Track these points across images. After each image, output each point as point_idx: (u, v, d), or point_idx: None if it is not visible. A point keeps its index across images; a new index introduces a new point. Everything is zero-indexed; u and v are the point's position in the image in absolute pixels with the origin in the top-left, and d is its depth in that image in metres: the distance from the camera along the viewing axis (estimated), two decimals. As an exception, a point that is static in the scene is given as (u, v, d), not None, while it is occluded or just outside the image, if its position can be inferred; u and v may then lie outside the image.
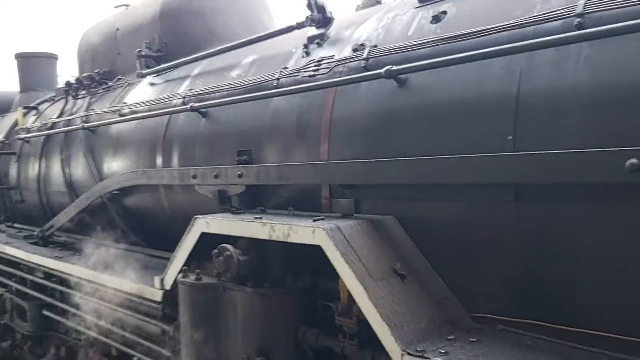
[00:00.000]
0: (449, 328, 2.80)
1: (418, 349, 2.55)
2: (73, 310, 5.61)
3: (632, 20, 2.25)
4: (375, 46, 3.44)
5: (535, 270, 2.66)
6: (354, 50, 3.57)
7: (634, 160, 2.11)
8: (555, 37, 2.49)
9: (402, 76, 3.15)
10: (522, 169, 2.51)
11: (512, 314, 2.78)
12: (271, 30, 4.65)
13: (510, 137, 2.66)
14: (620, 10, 2.40)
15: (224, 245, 3.47)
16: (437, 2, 3.38)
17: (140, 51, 5.88)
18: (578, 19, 2.50)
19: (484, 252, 2.84)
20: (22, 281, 6.83)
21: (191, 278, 3.79)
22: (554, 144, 2.49)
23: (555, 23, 2.61)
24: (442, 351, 2.53)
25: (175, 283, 3.90)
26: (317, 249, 2.97)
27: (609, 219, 2.39)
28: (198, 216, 3.76)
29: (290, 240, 3.11)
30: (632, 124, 2.29)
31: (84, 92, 6.94)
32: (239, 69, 4.65)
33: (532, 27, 2.69)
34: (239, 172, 3.90)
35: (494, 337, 2.71)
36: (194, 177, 4.33)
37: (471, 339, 2.66)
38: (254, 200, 3.94)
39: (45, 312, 6.28)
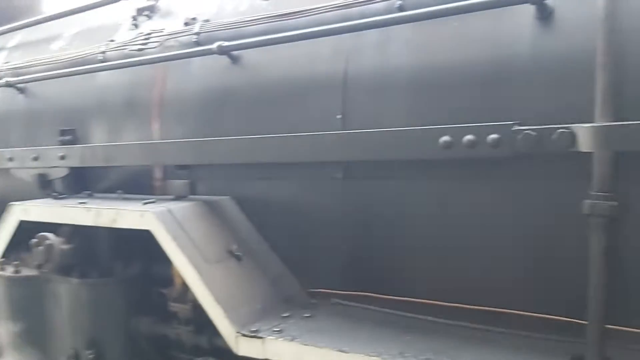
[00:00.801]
0: (284, 306, 2.82)
1: (252, 329, 2.54)
2: None
3: (448, 4, 2.38)
4: (208, 21, 3.32)
5: (363, 244, 2.76)
6: (185, 24, 3.42)
7: (446, 138, 2.24)
8: (377, 19, 2.55)
9: (235, 53, 3.08)
10: (349, 147, 2.56)
11: (344, 288, 2.87)
12: (96, 0, 4.30)
13: (339, 116, 2.71)
14: (436, -5, 2.53)
15: (44, 234, 3.18)
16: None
17: (-58, 17, 5.14)
18: (399, 2, 2.60)
19: (316, 228, 2.88)
20: None
21: (9, 271, 3.44)
22: (379, 122, 2.57)
23: (379, 5, 2.68)
24: (276, 329, 2.54)
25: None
26: (149, 234, 2.82)
27: (428, 193, 2.53)
28: (14, 203, 3.40)
29: (117, 225, 2.93)
30: (446, 104, 2.43)
31: None
32: (61, 40, 4.25)
33: (358, 8, 2.74)
34: (62, 154, 3.57)
35: (328, 311, 2.78)
36: (10, 159, 3.90)
37: (305, 315, 2.71)
38: (80, 183, 3.66)
39: None
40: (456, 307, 2.54)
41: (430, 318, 2.58)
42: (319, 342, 2.39)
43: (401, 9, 2.58)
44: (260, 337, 2.49)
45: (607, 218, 2.05)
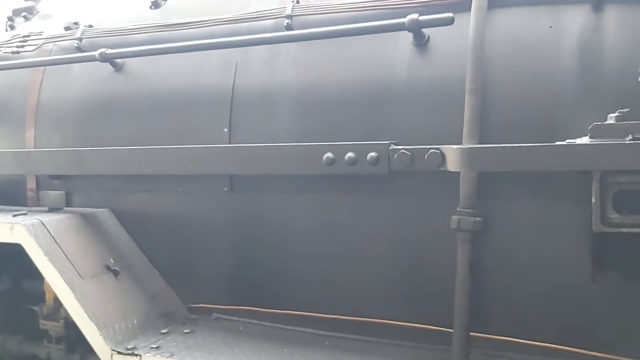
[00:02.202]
0: (164, 321, 2.76)
1: (129, 347, 2.46)
2: None
3: (332, 26, 2.47)
4: (91, 26, 3.20)
5: (247, 258, 2.77)
6: (66, 28, 3.28)
7: (329, 154, 2.31)
8: (265, 36, 2.60)
9: (119, 61, 2.99)
10: (235, 161, 2.56)
11: (226, 302, 2.86)
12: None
13: (226, 130, 2.71)
14: (323, 16, 2.62)
15: None
16: (158, -13, 3.27)
17: None
18: (287, 20, 2.66)
19: (200, 242, 2.85)
20: None
21: None
22: (266, 137, 2.61)
23: (268, 22, 2.73)
24: (154, 346, 2.48)
25: None
26: (20, 248, 2.65)
27: (310, 207, 2.60)
28: None
29: (-17, 238, 2.72)
30: (329, 121, 2.52)
31: None
32: None
33: (246, 24, 2.77)
34: None
35: (209, 326, 2.76)
36: None
37: (185, 330, 2.67)
38: (-59, 192, 3.35)
39: None
40: (336, 318, 2.61)
41: (310, 330, 2.64)
42: (198, 358, 2.38)
43: (289, 27, 2.64)
44: (137, 355, 2.42)
45: (471, 232, 2.21)
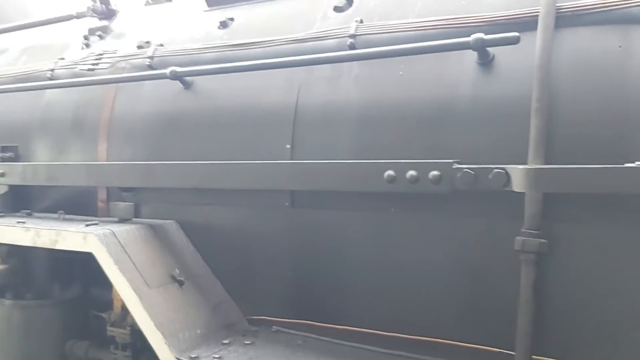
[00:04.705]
0: (225, 332, 2.82)
1: (192, 356, 2.52)
2: None
3: (396, 45, 2.50)
4: (162, 45, 3.34)
5: (307, 273, 2.80)
6: (139, 47, 3.43)
7: (390, 172, 2.33)
8: (330, 55, 2.65)
9: (188, 79, 3.11)
10: (297, 177, 2.62)
11: (286, 315, 2.89)
12: (48, 17, 4.25)
13: (288, 146, 2.77)
14: (386, 35, 2.65)
15: (-22, 252, 3.08)
16: (225, 7, 3.39)
17: None
18: (350, 40, 2.70)
19: (261, 255, 2.91)
20: None
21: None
22: (327, 154, 2.65)
23: (331, 41, 2.78)
24: (216, 356, 2.54)
25: None
26: (90, 256, 2.78)
27: (370, 224, 2.61)
28: (-55, 219, 3.27)
29: (58, 247, 2.86)
30: (391, 139, 2.54)
31: None
32: (7, 55, 4.18)
33: (311, 43, 2.83)
34: (1, 171, 3.48)
35: (269, 338, 2.79)
36: (-55, 174, 3.76)
37: (246, 342, 2.71)
38: (19, 202, 3.57)
39: None
40: (394, 336, 2.61)
41: (369, 347, 2.64)
42: (258, 369, 2.41)
43: (352, 47, 2.69)
44: (200, 364, 2.48)
45: (535, 254, 2.18)
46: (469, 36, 2.28)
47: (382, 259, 2.59)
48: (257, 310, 2.98)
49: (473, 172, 2.15)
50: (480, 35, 2.26)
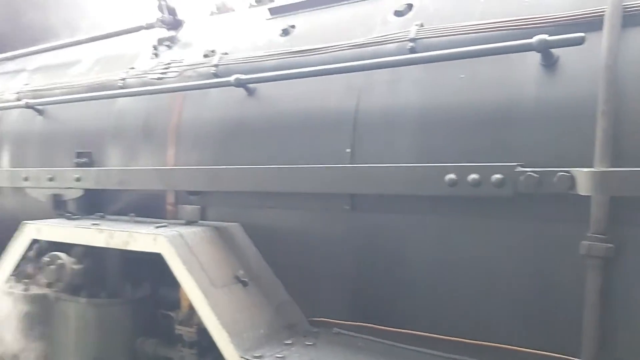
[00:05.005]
0: (287, 333, 2.87)
1: (256, 355, 2.59)
2: None
3: (456, 48, 2.50)
4: (226, 54, 3.45)
5: (368, 275, 2.83)
6: (205, 56, 3.56)
7: (452, 175, 2.33)
8: (389, 59, 2.67)
9: (251, 85, 3.20)
10: (358, 181, 2.66)
11: (346, 318, 2.93)
12: (118, 29, 4.47)
13: (348, 150, 2.81)
14: (447, 39, 2.65)
15: (56, 253, 3.26)
16: (286, 15, 3.47)
17: (-33, 38, 5.33)
18: (411, 44, 2.72)
19: (321, 258, 2.96)
20: None
21: (19, 288, 3.50)
22: (387, 157, 2.67)
23: (391, 45, 2.81)
24: (279, 356, 2.59)
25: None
26: (159, 257, 2.90)
27: (431, 227, 2.62)
28: (27, 222, 3.49)
29: (129, 248, 3.00)
30: (452, 142, 2.53)
31: None
32: (81, 65, 4.40)
33: (371, 48, 2.86)
34: (77, 176, 3.68)
35: (329, 340, 2.83)
36: (26, 179, 4.01)
37: (307, 343, 2.76)
38: (93, 205, 3.75)
39: None
40: (456, 340, 2.60)
41: (429, 351, 2.63)
42: (320, 369, 2.45)
43: (412, 50, 2.70)
44: (263, 363, 2.54)
45: (602, 259, 2.13)
46: (532, 37, 2.25)
47: (443, 262, 2.59)
48: (318, 312, 3.03)
49: (537, 175, 2.13)
50: (544, 36, 2.23)
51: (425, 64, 2.65)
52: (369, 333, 2.85)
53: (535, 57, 2.37)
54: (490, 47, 2.40)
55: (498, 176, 2.23)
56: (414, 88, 2.71)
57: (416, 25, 2.75)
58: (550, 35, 2.22)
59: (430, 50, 2.60)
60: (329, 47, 2.99)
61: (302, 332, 2.91)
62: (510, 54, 2.42)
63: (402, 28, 2.83)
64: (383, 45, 2.84)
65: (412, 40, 2.72)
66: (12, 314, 3.50)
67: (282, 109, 3.10)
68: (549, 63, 2.37)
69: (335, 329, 2.93)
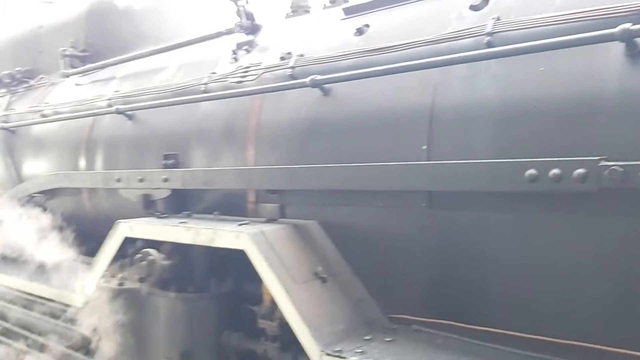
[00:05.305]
0: (366, 329, 2.91)
1: (336, 349, 2.64)
2: None
3: (535, 41, 2.44)
4: (302, 55, 3.53)
5: (446, 272, 2.82)
6: (281, 58, 3.65)
7: (532, 171, 2.29)
8: (466, 54, 2.65)
9: (327, 86, 3.25)
10: (435, 177, 2.66)
11: (426, 315, 2.93)
12: (200, 35, 4.66)
13: (424, 147, 2.81)
14: (525, 31, 2.60)
15: (147, 249, 3.46)
16: (361, 15, 3.51)
17: (64, 50, 5.72)
18: (488, 38, 2.68)
19: (400, 255, 2.97)
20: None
21: (113, 283, 3.74)
22: (464, 154, 2.65)
23: (467, 40, 2.78)
24: (359, 351, 2.63)
25: (98, 288, 3.83)
26: (242, 253, 3.02)
27: (511, 224, 2.57)
28: (121, 220, 3.72)
29: (214, 244, 3.14)
30: (532, 137, 2.48)
31: (3, 90, 6.66)
32: (166, 72, 4.62)
33: (446, 44, 2.85)
34: (165, 176, 3.89)
35: (409, 336, 2.84)
36: (118, 180, 4.27)
37: (386, 339, 2.78)
38: (180, 204, 3.94)
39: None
40: (536, 339, 2.54)
41: (509, 349, 2.59)
42: (400, 365, 2.46)
43: (489, 45, 2.66)
44: (344, 357, 2.59)
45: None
46: (615, 27, 2.17)
47: (524, 259, 2.54)
48: (397, 309, 3.04)
49: (622, 169, 2.05)
50: (627, 25, 2.14)
51: (503, 58, 2.60)
52: (448, 330, 2.83)
53: (618, 48, 2.28)
54: (571, 38, 2.33)
55: (581, 171, 2.17)
56: (492, 83, 2.67)
57: (493, 18, 2.70)
58: (633, 25, 2.13)
59: (507, 44, 2.56)
60: (403, 44, 3.00)
61: (381, 328, 2.94)
62: (592, 45, 2.34)
63: (477, 22, 2.79)
64: (459, 41, 2.81)
65: (489, 34, 2.68)
66: (108, 307, 3.75)
67: (357, 108, 3.14)
68: (633, 53, 2.27)
69: (415, 326, 2.94)
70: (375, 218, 3.06)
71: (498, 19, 2.70)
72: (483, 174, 2.47)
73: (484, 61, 2.68)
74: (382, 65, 2.94)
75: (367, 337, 2.80)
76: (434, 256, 2.85)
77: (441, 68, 2.80)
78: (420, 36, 2.95)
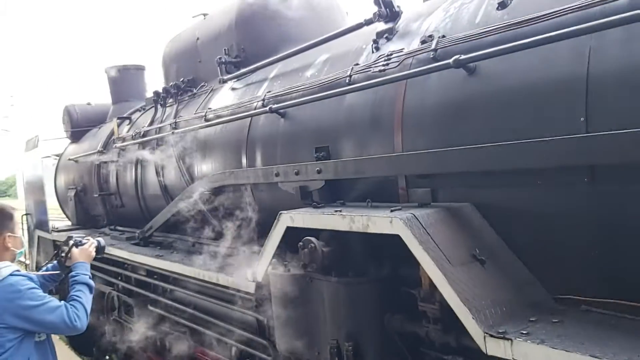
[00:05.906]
0: (531, 310, 2.84)
1: (500, 331, 2.62)
2: (175, 304, 6.07)
3: None
4: (444, 36, 3.50)
5: (616, 249, 2.66)
6: (422, 42, 3.64)
7: None
8: (623, 16, 2.46)
9: (471, 64, 3.19)
10: (598, 150, 2.51)
11: (594, 295, 2.79)
12: (341, 29, 4.79)
13: (582, 119, 2.66)
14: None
15: (308, 237, 3.66)
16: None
17: (220, 58, 6.21)
18: (645, -4, 2.47)
19: (563, 234, 2.85)
20: (127, 279, 7.41)
21: (280, 270, 4.01)
22: (628, 123, 2.47)
23: (622, 1, 2.58)
24: (524, 332, 2.58)
25: (266, 275, 4.14)
26: (397, 238, 3.09)
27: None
28: (283, 212, 3.97)
29: (369, 230, 3.25)
30: None
31: (171, 100, 7.38)
32: (312, 68, 4.83)
33: (599, 7, 2.66)
34: (318, 168, 4.08)
35: (578, 317, 2.73)
36: (277, 175, 4.56)
37: (553, 320, 2.69)
38: (334, 194, 4.11)
39: (150, 308, 6.77)
40: None
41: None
42: (569, 347, 2.38)
43: (648, 3, 2.45)
44: (508, 339, 2.55)
45: None
46: None
47: None
48: (563, 290, 2.93)
49: None
50: None
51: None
52: (621, 311, 2.68)
53: None
54: None
55: None
56: (654, 43, 2.46)
57: (651, -25, 2.48)
58: None
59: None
60: (550, 13, 2.85)
61: (546, 309, 2.85)
62: None
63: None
64: (611, 3, 2.62)
65: (647, -9, 2.47)
66: (277, 293, 4.03)
67: (504, 85, 3.05)
68: None
69: (584, 306, 2.81)
70: (534, 197, 2.96)
71: (661, -28, 2.47)
72: (651, 142, 2.29)
73: (644, 22, 2.47)
74: (528, 38, 2.83)
75: (532, 319, 2.73)
76: (600, 233, 2.70)
77: (595, 34, 2.64)
78: (566, 4, 2.79)
